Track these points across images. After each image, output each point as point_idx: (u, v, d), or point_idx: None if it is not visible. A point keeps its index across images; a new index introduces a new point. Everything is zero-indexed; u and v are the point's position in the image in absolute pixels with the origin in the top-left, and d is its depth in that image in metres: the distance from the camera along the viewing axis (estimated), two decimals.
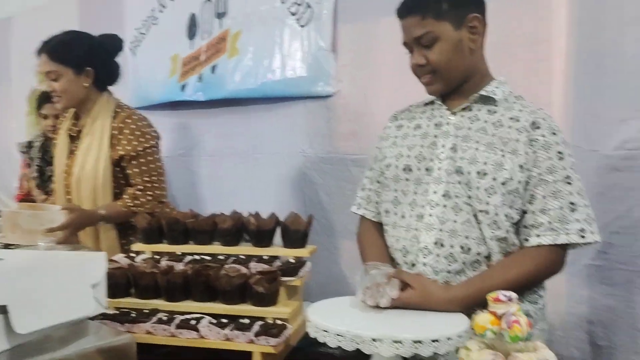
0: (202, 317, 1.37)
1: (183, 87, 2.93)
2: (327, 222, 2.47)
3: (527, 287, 1.36)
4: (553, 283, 1.49)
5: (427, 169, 1.42)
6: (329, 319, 1.18)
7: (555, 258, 1.36)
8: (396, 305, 1.23)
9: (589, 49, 1.82)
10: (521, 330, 0.87)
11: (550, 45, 1.90)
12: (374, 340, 1.09)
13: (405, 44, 1.45)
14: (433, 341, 1.08)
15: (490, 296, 0.91)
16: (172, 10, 3.02)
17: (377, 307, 1.23)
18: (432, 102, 1.53)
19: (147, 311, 1.43)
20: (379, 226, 1.59)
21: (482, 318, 0.91)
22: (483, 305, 1.34)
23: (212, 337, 1.33)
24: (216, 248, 1.57)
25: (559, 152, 1.35)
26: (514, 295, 0.90)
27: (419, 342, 1.08)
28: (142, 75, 3.17)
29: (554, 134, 1.37)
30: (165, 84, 3.04)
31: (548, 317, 1.51)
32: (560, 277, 1.58)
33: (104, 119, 2.09)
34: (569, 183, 1.35)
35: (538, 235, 1.33)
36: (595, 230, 1.34)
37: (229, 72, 2.72)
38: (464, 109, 1.45)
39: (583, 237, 1.32)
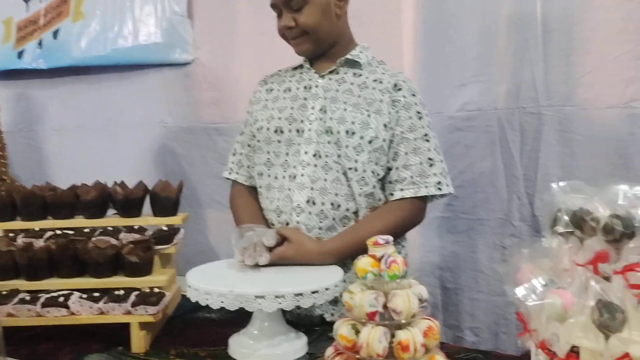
0: (71, 293, 1.30)
1: (20, 54, 2.65)
2: (191, 193, 2.42)
3: (393, 237, 1.46)
4: (409, 235, 1.63)
5: (297, 131, 1.47)
6: (211, 281, 1.19)
7: (416, 210, 1.49)
8: (273, 260, 1.28)
9: (433, 20, 1.98)
10: (399, 269, 0.95)
11: (400, 15, 2.03)
12: (257, 297, 1.12)
13: (274, 6, 1.47)
14: (313, 293, 1.15)
15: (370, 241, 0.98)
16: None
17: (256, 265, 1.27)
18: (300, 67, 1.57)
19: (5, 293, 1.31)
20: (252, 190, 1.61)
21: (363, 262, 0.98)
22: (354, 256, 1.44)
23: (85, 313, 1.27)
24: (80, 222, 1.47)
25: (418, 112, 1.48)
26: (390, 238, 0.98)
27: (300, 294, 1.13)
28: None
29: (413, 95, 1.49)
30: None
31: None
32: (414, 229, 1.73)
33: None
34: (427, 140, 1.48)
35: (402, 189, 1.45)
36: (449, 182, 1.49)
37: (73, 37, 2.52)
38: (331, 72, 1.51)
39: (440, 189, 1.46)
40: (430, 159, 1.46)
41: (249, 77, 2.23)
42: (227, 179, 1.67)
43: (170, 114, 2.44)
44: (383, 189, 1.49)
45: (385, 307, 0.94)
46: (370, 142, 1.43)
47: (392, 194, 1.47)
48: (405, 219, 1.48)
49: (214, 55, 2.36)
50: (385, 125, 1.44)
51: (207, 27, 2.35)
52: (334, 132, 1.43)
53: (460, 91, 1.97)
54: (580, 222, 0.79)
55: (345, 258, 1.41)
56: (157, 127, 2.48)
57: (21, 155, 2.74)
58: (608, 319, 0.71)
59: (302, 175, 1.44)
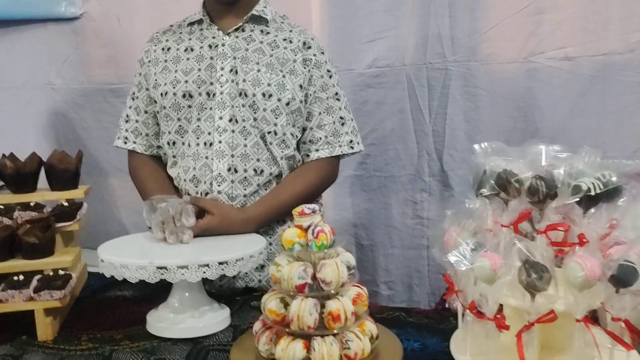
0: None
1: None
2: (88, 160, 2.25)
3: (312, 197, 1.46)
4: (323, 194, 1.62)
5: (207, 94, 1.39)
6: (127, 255, 1.12)
7: (332, 169, 1.49)
8: (197, 233, 1.22)
9: None
10: (327, 239, 0.92)
11: None
12: (179, 267, 1.07)
13: None
14: (237, 261, 1.11)
15: (296, 211, 0.95)
16: None
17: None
18: (200, 22, 1.46)
19: None
20: (155, 159, 1.52)
21: (290, 233, 0.94)
22: (278, 220, 1.41)
23: None
24: None
25: (328, 70, 1.45)
26: (316, 207, 0.95)
27: (225, 263, 1.09)
28: None
29: (322, 53, 1.46)
30: None
31: None
32: (328, 189, 1.73)
33: None
34: (338, 99, 1.46)
35: (317, 150, 1.43)
36: (360, 140, 1.51)
37: None
38: (236, 29, 1.42)
39: (352, 147, 1.47)
40: (341, 117, 1.46)
41: (145, 31, 2.05)
42: (122, 148, 1.55)
43: (59, 74, 2.22)
44: (298, 149, 1.46)
45: (314, 278, 0.92)
46: (287, 104, 1.38)
47: (307, 155, 1.45)
48: (323, 178, 1.48)
49: (104, 7, 2.16)
50: (300, 86, 1.41)
51: None
52: (248, 95, 1.36)
53: (369, 47, 1.95)
54: (505, 184, 0.80)
55: (270, 223, 1.39)
56: (44, 89, 2.26)
57: None
58: (535, 279, 0.73)
59: (220, 142, 1.38)
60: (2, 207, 1.33)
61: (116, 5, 2.14)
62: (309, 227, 0.94)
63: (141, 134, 1.51)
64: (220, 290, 1.37)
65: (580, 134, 1.76)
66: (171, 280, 1.06)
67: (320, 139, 1.44)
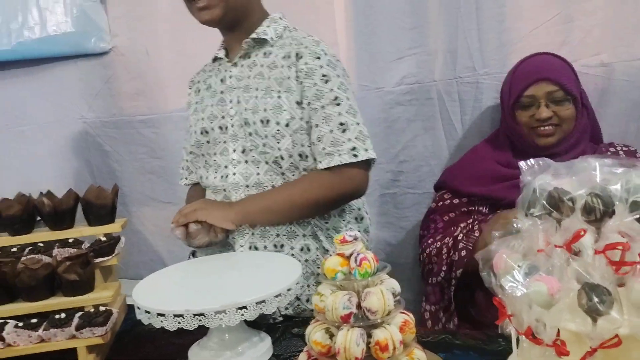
0: (4, 323, 1.16)
1: None
2: (121, 191, 2.26)
3: (315, 208, 1.36)
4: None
5: (220, 128, 1.39)
6: (163, 300, 1.08)
7: (337, 180, 1.33)
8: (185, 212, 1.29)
9: None
10: (370, 266, 0.90)
11: None
12: (217, 313, 1.02)
13: None
14: (276, 297, 1.07)
15: (337, 238, 0.92)
16: None
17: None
18: (219, 58, 1.48)
19: None
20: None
21: (332, 262, 0.92)
22: (263, 220, 1.35)
23: (23, 343, 1.14)
24: (5, 240, 1.33)
25: (324, 75, 1.33)
26: (358, 234, 0.93)
27: (263, 302, 1.05)
28: None
29: (318, 57, 1.34)
30: None
31: None
32: (360, 209, 1.70)
33: None
34: (338, 104, 1.33)
35: (320, 162, 1.33)
36: (369, 147, 1.33)
37: None
38: (242, 57, 1.41)
39: (356, 155, 1.30)
40: (342, 123, 1.31)
41: (172, 63, 2.12)
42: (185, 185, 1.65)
43: (91, 108, 2.26)
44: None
45: (359, 307, 0.89)
46: (287, 125, 1.32)
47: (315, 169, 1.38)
48: (326, 189, 1.33)
49: (132, 42, 2.19)
50: (297, 103, 1.33)
51: (122, 11, 2.18)
52: (250, 124, 1.34)
53: (397, 65, 1.93)
54: (557, 203, 0.76)
55: (257, 219, 1.34)
56: (76, 123, 2.29)
57: None
58: (597, 302, 0.69)
59: (234, 174, 1.38)
60: (41, 244, 1.34)
61: (144, 39, 2.17)
62: (351, 254, 0.91)
63: (192, 172, 1.59)
64: (259, 317, 1.34)
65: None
66: (210, 326, 1.02)
67: (320, 151, 1.32)
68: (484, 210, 1.56)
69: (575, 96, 1.52)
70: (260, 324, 1.26)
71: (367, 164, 1.35)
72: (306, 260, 1.39)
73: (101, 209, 1.36)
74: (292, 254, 1.38)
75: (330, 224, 1.42)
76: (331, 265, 0.92)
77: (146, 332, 1.37)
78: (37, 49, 2.23)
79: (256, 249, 1.37)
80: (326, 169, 1.31)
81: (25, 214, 1.33)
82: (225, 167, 1.39)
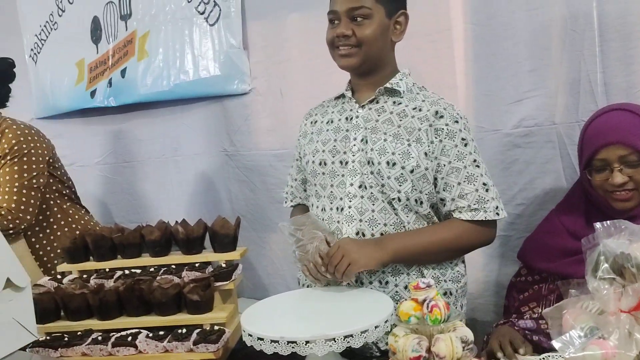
0: (138, 332, 1.38)
1: (92, 94, 2.85)
2: (253, 217, 2.50)
3: (453, 251, 1.48)
4: (471, 256, 1.61)
5: (341, 162, 1.49)
6: (263, 326, 1.21)
7: (480, 231, 1.46)
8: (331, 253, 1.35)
9: (483, 35, 1.94)
10: (440, 313, 0.95)
11: (450, 33, 2.00)
12: (307, 342, 1.13)
13: (334, 12, 1.45)
14: (362, 332, 1.14)
15: (411, 285, 0.99)
16: (72, 14, 2.90)
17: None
18: (342, 96, 1.59)
19: (80, 333, 1.42)
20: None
21: (406, 306, 0.99)
22: (411, 259, 1.43)
23: (151, 351, 1.34)
24: (146, 260, 1.57)
25: (463, 139, 1.44)
26: (431, 281, 0.99)
27: (350, 336, 1.13)
28: (46, 84, 3.04)
29: (456, 121, 1.45)
30: (72, 91, 2.94)
31: (468, 292, 1.62)
32: (477, 251, 1.71)
33: None
34: (477, 166, 1.45)
35: (460, 213, 1.43)
36: (502, 206, 1.47)
37: (139, 75, 2.67)
38: (371, 102, 1.51)
39: (498, 214, 1.45)
40: (484, 184, 1.44)
41: (302, 104, 2.29)
42: (288, 207, 1.75)
43: (231, 143, 2.52)
44: (437, 214, 1.49)
45: (429, 351, 0.94)
46: (412, 171, 1.42)
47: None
48: (463, 237, 1.45)
49: (269, 83, 2.41)
50: (426, 154, 1.42)
51: (262, 57, 2.41)
52: (374, 163, 1.44)
53: (516, 107, 1.91)
54: (620, 268, 0.76)
55: (405, 258, 1.42)
56: (219, 155, 2.58)
57: (96, 187, 2.94)
58: None
59: (350, 207, 1.46)
60: (174, 266, 1.55)
61: (279, 81, 2.38)
62: (424, 300, 0.97)
63: (296, 197, 1.71)
64: (359, 350, 1.41)
65: None
66: (301, 353, 1.13)
67: (464, 207, 1.43)
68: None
69: None
70: (359, 356, 1.34)
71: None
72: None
73: (225, 237, 1.55)
74: (396, 291, 1.45)
75: (437, 263, 1.48)
76: (405, 309, 0.98)
77: (258, 352, 1.52)
78: (190, 89, 2.56)
79: (362, 283, 1.46)
80: (468, 220, 1.43)
81: (163, 239, 1.56)
82: (341, 199, 1.49)
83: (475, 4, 1.94)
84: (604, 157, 1.38)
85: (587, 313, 0.83)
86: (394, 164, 1.42)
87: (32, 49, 3.07)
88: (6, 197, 1.91)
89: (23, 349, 1.26)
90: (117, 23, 2.75)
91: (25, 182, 1.93)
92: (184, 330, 1.37)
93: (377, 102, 1.51)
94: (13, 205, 1.90)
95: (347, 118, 1.53)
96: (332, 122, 1.56)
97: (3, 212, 1.89)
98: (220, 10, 2.44)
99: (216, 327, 1.38)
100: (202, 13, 2.49)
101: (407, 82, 1.53)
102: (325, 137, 1.55)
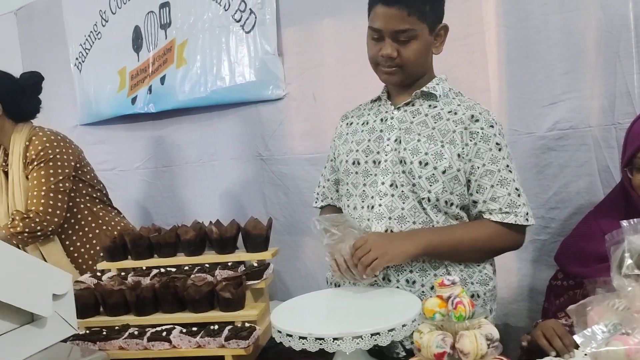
0: (172, 328, 1.43)
1: (133, 100, 2.94)
2: (287, 220, 2.54)
3: (483, 252, 1.48)
4: (504, 261, 1.60)
5: (374, 162, 1.51)
6: (292, 323, 1.24)
7: (509, 234, 1.45)
8: (357, 246, 1.35)
9: (516, 38, 1.94)
10: (465, 310, 0.96)
11: (483, 36, 2.00)
12: (335, 339, 1.15)
13: (377, 30, 1.44)
14: (389, 331, 1.16)
15: (436, 282, 1.00)
16: (115, 23, 3.02)
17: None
18: (378, 99, 1.61)
19: (118, 328, 1.47)
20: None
21: (431, 302, 1.00)
22: (442, 254, 1.43)
23: (184, 346, 1.39)
24: (181, 259, 1.62)
25: (497, 144, 1.45)
26: (456, 279, 0.99)
27: (377, 334, 1.15)
28: (90, 91, 3.16)
29: (492, 126, 1.46)
30: (114, 98, 3.05)
31: (498, 296, 1.61)
32: (510, 254, 1.70)
33: (19, 148, 2.06)
34: (510, 171, 1.45)
35: (491, 214, 1.43)
36: (532, 214, 1.46)
37: (178, 82, 2.75)
38: (406, 104, 1.53)
39: (527, 220, 1.44)
40: (517, 189, 1.45)
41: (335, 108, 2.32)
42: (318, 207, 1.75)
43: (266, 147, 2.57)
44: (467, 214, 1.50)
45: (453, 347, 0.95)
46: (444, 172, 1.43)
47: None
48: (501, 240, 1.46)
49: (303, 88, 2.45)
50: (459, 155, 1.44)
51: (295, 63, 2.46)
52: (407, 163, 1.45)
53: (550, 110, 1.90)
54: None
55: (435, 252, 1.43)
56: (255, 160, 2.63)
57: (137, 191, 3.03)
58: None
59: (380, 205, 1.47)
60: (207, 265, 1.59)
61: (313, 86, 2.42)
62: (449, 297, 0.98)
63: (327, 197, 1.71)
64: (387, 349, 1.42)
65: None
66: (329, 350, 1.15)
67: (495, 209, 1.43)
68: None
69: None
70: (386, 355, 1.35)
71: None
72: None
73: (257, 238, 1.58)
74: (423, 291, 1.45)
75: (463, 264, 1.48)
76: (430, 305, 1.00)
77: (288, 350, 1.55)
78: (226, 96, 2.62)
79: (389, 281, 1.47)
80: (499, 222, 1.44)
81: (197, 238, 1.61)
82: (372, 197, 1.50)
83: (508, 7, 1.93)
84: None
85: (612, 311, 0.83)
86: (427, 163, 1.44)
87: (77, 58, 3.20)
88: (34, 200, 1.99)
89: (64, 340, 1.32)
90: (157, 32, 2.85)
91: (52, 186, 2.01)
92: (216, 327, 1.40)
93: (413, 105, 1.53)
94: (41, 209, 1.98)
95: (382, 119, 1.56)
96: (367, 123, 1.58)
97: (32, 215, 1.97)
98: (256, 17, 2.50)
99: (247, 325, 1.42)
100: (239, 21, 2.55)
101: (443, 86, 1.54)
102: (359, 138, 1.57)
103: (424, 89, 1.52)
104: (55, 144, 2.07)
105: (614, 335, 0.74)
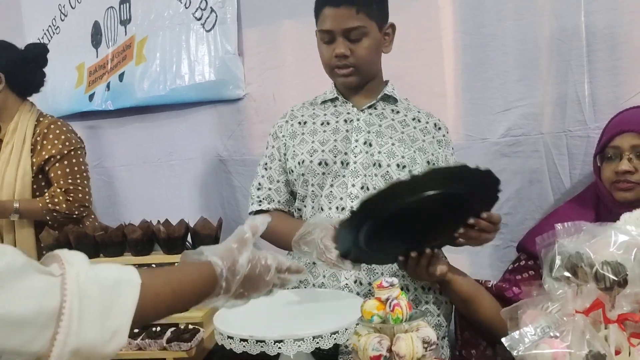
0: None
1: (91, 97, 2.87)
2: (243, 222, 2.47)
3: None
4: (457, 266, 1.60)
5: (342, 162, 1.50)
6: (234, 324, 1.21)
7: None
8: None
9: (473, 44, 1.96)
10: (402, 312, 0.95)
11: (440, 42, 2.02)
12: (276, 342, 1.13)
13: (328, 32, 1.46)
14: (332, 334, 1.15)
15: (375, 283, 0.99)
16: (74, 18, 2.94)
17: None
18: (332, 100, 1.60)
19: None
20: (287, 213, 1.62)
21: (369, 304, 0.98)
22: None
23: (124, 349, 1.35)
24: (127, 259, 1.58)
25: (452, 148, 1.58)
26: (395, 280, 0.98)
27: (319, 337, 1.14)
28: (47, 86, 3.05)
29: (447, 132, 1.58)
30: (72, 94, 2.97)
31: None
32: (464, 260, 1.70)
33: (25, 128, 2.12)
34: None
35: None
36: None
37: (137, 79, 2.69)
38: (369, 107, 1.54)
39: None
40: None
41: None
42: (258, 211, 1.62)
43: (225, 147, 2.53)
44: None
45: (390, 350, 0.94)
46: None
47: None
48: None
49: (263, 88, 2.43)
50: (428, 162, 1.50)
51: (256, 63, 2.43)
52: (382, 166, 1.47)
53: (503, 116, 1.92)
54: (574, 268, 0.76)
55: None
56: (213, 160, 2.59)
57: (94, 190, 2.95)
58: None
59: (352, 207, 1.46)
60: (154, 265, 1.56)
61: (273, 86, 2.39)
62: (387, 299, 0.97)
63: (273, 200, 1.62)
64: (335, 346, 1.40)
65: None
66: (270, 353, 1.13)
67: None
68: None
69: None
70: (334, 355, 1.34)
71: None
72: None
73: (206, 238, 1.56)
74: (370, 290, 1.44)
75: None
76: (368, 308, 0.98)
77: (234, 354, 1.52)
78: (185, 94, 2.58)
79: (361, 284, 1.46)
80: None
81: (145, 238, 1.57)
82: (341, 199, 1.49)
83: (465, 13, 1.95)
84: (618, 144, 1.42)
85: (546, 314, 0.83)
86: (404, 166, 1.47)
87: None
88: (79, 187, 2.11)
89: None
90: (117, 28, 2.79)
91: (85, 174, 2.18)
92: (158, 329, 1.37)
93: (376, 109, 1.55)
94: (86, 197, 2.12)
95: (345, 120, 1.55)
96: (328, 123, 1.57)
97: (77, 199, 2.07)
98: (216, 16, 2.47)
99: (191, 327, 1.38)
100: (199, 19, 2.52)
101: (395, 91, 1.59)
102: (323, 138, 1.54)
103: (386, 92, 1.55)
104: (74, 133, 2.23)
105: (542, 338, 0.74)
